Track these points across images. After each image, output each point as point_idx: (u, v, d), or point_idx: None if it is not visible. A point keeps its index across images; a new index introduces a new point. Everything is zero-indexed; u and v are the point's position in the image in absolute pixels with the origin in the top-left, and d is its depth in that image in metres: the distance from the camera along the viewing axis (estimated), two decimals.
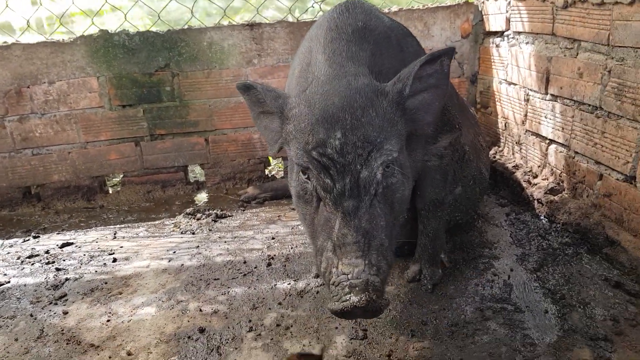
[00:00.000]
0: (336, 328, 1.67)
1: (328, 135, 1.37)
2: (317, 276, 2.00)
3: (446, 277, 1.93)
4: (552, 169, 2.40)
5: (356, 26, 1.67)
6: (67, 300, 1.97)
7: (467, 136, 2.08)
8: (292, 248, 2.28)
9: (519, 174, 2.61)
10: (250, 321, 1.74)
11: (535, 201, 2.39)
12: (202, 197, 3.11)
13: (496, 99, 2.92)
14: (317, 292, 1.89)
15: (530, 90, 2.51)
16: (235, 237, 2.44)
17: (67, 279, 2.13)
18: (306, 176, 1.45)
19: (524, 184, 2.52)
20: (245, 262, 2.17)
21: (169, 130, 3.01)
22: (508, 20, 2.67)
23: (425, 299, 1.82)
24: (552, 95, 2.33)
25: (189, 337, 1.67)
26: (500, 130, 2.92)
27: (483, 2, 2.96)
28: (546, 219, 2.31)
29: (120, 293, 1.99)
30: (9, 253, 2.44)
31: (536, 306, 1.73)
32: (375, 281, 1.26)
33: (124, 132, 2.98)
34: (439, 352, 1.54)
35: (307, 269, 2.07)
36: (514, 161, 2.75)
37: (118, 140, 2.99)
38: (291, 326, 1.71)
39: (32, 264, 2.29)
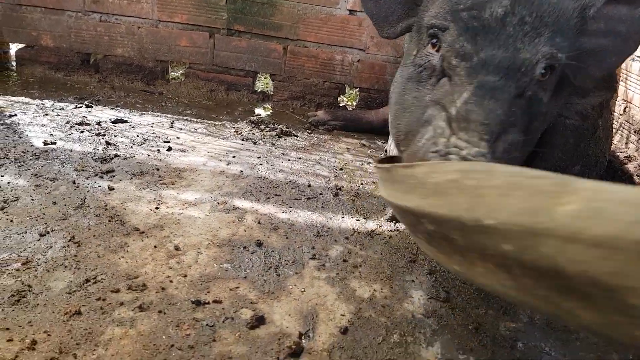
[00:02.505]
0: (412, 281, 1.42)
1: None
2: (390, 220, 1.74)
3: None
4: None
5: None
6: (114, 176, 1.77)
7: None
8: (361, 184, 2.02)
9: (630, 167, 2.25)
10: (313, 248, 1.51)
11: None
12: (265, 109, 2.85)
13: (621, 77, 2.52)
14: (390, 237, 1.64)
15: None
16: (299, 158, 2.19)
17: (116, 155, 1.92)
18: (436, 48, 1.13)
19: (637, 179, 2.17)
20: (309, 186, 1.93)
21: (248, 28, 2.72)
22: None
23: None
24: None
25: (244, 248, 1.45)
26: (617, 113, 2.53)
27: None
28: None
29: (173, 184, 1.78)
30: (58, 115, 2.24)
31: None
32: None
33: (200, 19, 2.70)
34: (536, 338, 1.28)
35: (378, 210, 1.82)
36: (627, 151, 2.38)
37: (192, 26, 2.72)
38: (360, 265, 1.46)
39: (82, 132, 2.10)
